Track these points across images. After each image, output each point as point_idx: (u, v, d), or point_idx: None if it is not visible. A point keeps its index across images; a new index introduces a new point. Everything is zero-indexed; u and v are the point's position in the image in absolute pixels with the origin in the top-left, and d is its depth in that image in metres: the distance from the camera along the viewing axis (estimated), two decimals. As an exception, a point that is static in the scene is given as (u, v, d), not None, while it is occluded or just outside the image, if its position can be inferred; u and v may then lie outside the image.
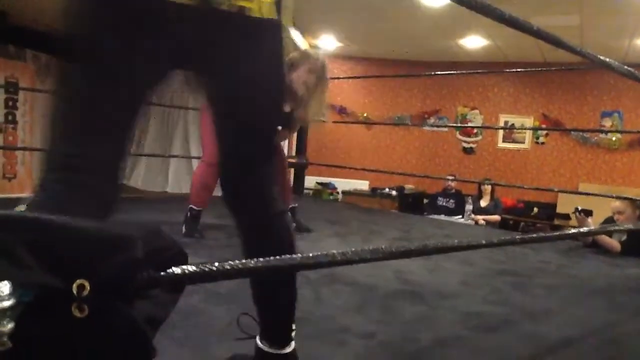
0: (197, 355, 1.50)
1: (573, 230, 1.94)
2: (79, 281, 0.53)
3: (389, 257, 1.18)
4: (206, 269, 0.70)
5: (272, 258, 0.81)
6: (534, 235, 1.64)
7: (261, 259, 0.78)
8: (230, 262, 0.74)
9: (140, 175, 9.71)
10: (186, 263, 0.70)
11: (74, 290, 0.53)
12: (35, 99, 8.41)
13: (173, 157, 9.43)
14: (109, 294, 0.56)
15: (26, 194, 7.71)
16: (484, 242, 1.33)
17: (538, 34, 1.46)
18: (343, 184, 8.51)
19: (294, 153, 8.07)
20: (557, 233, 1.89)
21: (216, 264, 0.73)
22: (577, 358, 1.70)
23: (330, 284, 2.17)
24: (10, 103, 7.73)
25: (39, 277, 0.53)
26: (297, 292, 2.02)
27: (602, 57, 1.80)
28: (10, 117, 7.67)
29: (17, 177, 7.72)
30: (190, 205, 3.07)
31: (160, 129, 9.76)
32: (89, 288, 0.54)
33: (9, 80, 7.57)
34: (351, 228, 3.83)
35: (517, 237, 1.60)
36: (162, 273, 0.65)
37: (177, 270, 0.67)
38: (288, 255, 0.87)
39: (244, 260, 0.77)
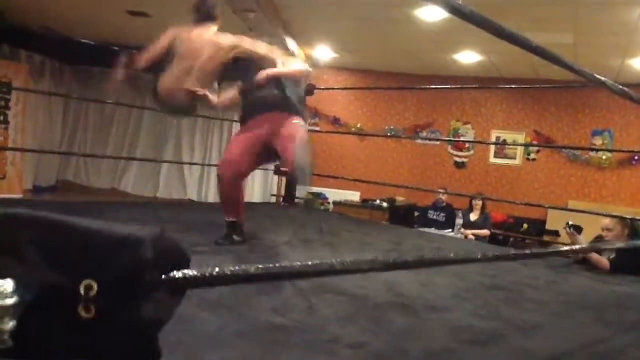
0: (189, 362, 1.49)
1: (565, 248, 1.95)
2: (86, 281, 0.53)
3: (386, 269, 1.18)
4: (208, 275, 0.70)
5: (271, 265, 0.81)
6: (528, 251, 1.65)
7: (261, 266, 0.78)
8: (231, 268, 0.74)
9: (131, 180, 9.68)
10: (188, 267, 0.70)
11: (82, 291, 0.53)
12: (28, 100, 8.39)
13: (165, 162, 9.42)
14: (117, 295, 0.56)
15: (15, 195, 7.66)
16: (479, 256, 1.34)
17: (537, 51, 1.48)
18: (334, 194, 8.52)
19: (286, 162, 8.09)
20: (550, 250, 1.90)
21: (217, 269, 0.73)
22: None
23: (321, 294, 2.16)
24: (3, 103, 7.70)
25: (45, 275, 0.52)
26: (289, 302, 2.02)
27: (598, 76, 1.82)
28: (2, 118, 7.63)
29: (6, 177, 7.67)
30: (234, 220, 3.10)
31: (152, 135, 9.74)
32: (96, 288, 0.54)
33: (2, 80, 7.54)
34: (342, 238, 3.83)
35: (512, 253, 1.61)
36: (169, 275, 0.65)
37: (181, 273, 0.67)
38: (288, 264, 0.87)
39: (244, 267, 0.77)
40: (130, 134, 9.79)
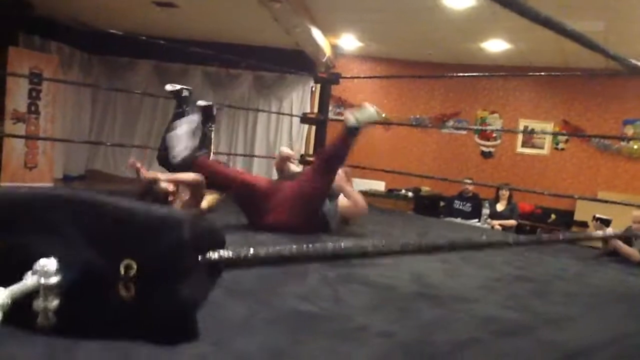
0: (219, 349, 1.51)
1: (594, 233, 1.92)
2: (126, 261, 0.54)
3: (417, 252, 1.18)
4: (243, 256, 0.71)
5: (304, 247, 0.81)
6: (560, 236, 1.63)
7: (294, 247, 0.79)
8: (265, 249, 0.75)
9: (157, 169, 9.77)
10: (224, 247, 0.71)
11: (121, 270, 0.54)
12: (59, 90, 8.52)
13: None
14: (156, 275, 0.57)
15: (46, 184, 7.81)
16: (511, 240, 1.33)
17: (571, 35, 1.44)
18: (359, 184, 8.50)
19: (311, 152, 8.09)
20: (579, 235, 1.88)
21: (251, 250, 0.74)
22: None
23: (347, 283, 2.17)
24: (34, 94, 7.83)
25: (86, 255, 0.54)
26: (316, 290, 2.02)
27: (635, 61, 1.78)
28: (33, 108, 7.78)
29: (37, 166, 7.82)
30: None
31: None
32: (136, 268, 0.55)
33: (33, 71, 7.67)
34: (367, 228, 3.83)
35: (544, 236, 1.59)
36: (205, 256, 0.66)
37: (218, 254, 0.68)
38: (321, 245, 0.87)
39: (278, 248, 0.78)
40: (157, 123, 9.89)
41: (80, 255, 0.54)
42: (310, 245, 0.84)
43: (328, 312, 1.83)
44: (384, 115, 2.90)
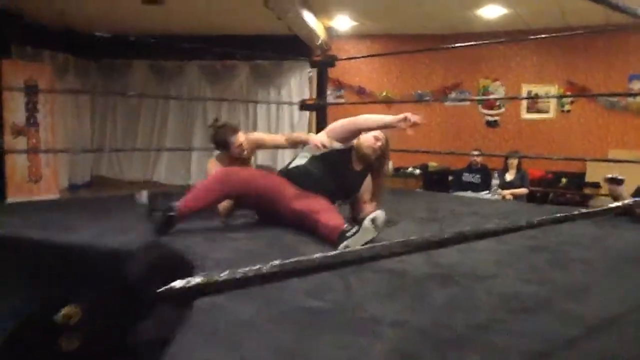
0: (228, 351, 1.45)
1: (612, 205, 1.84)
2: (67, 308, 0.48)
3: (431, 247, 1.11)
4: (214, 281, 0.64)
5: (288, 261, 0.74)
6: (576, 212, 1.55)
7: (276, 263, 0.72)
8: (243, 269, 0.68)
9: (163, 170, 9.75)
10: (192, 274, 0.64)
11: (61, 319, 0.47)
12: (56, 100, 8.47)
13: (194, 150, 9.44)
14: (105, 318, 0.50)
15: (52, 195, 7.80)
16: (524, 223, 1.26)
17: None
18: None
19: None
20: (597, 209, 1.79)
21: (226, 273, 0.66)
22: (621, 336, 1.61)
23: (358, 272, 2.10)
24: (31, 105, 7.78)
25: (25, 303, 0.47)
26: (325, 282, 1.96)
27: None
28: (31, 120, 7.73)
29: (43, 179, 7.79)
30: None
31: (180, 123, 9.76)
32: (80, 315, 0.48)
33: (28, 83, 7.61)
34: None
35: (556, 215, 1.51)
36: (165, 288, 0.59)
37: (183, 283, 0.61)
38: (305, 258, 0.80)
39: (259, 267, 0.70)
40: (158, 124, 9.84)
41: (18, 303, 0.47)
42: (295, 260, 0.77)
43: (338, 305, 1.77)
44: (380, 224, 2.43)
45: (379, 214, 2.61)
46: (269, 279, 0.74)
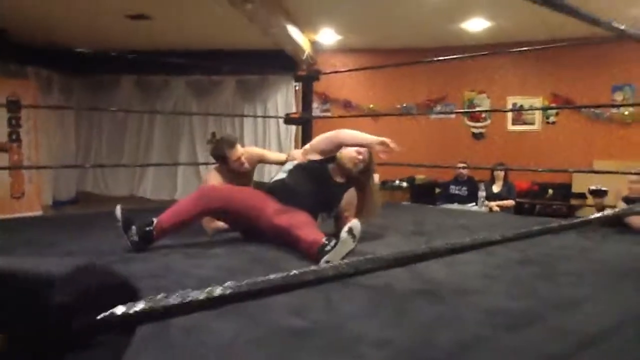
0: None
1: (597, 215, 1.81)
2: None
3: (414, 261, 1.07)
4: (160, 305, 0.58)
5: (243, 284, 0.69)
6: (556, 225, 1.51)
7: (230, 285, 0.67)
8: (191, 293, 0.63)
9: (149, 185, 9.66)
10: (135, 299, 0.58)
11: None
12: (39, 115, 8.38)
13: (180, 164, 9.37)
14: (32, 349, 0.45)
15: (35, 212, 7.67)
16: (510, 235, 1.22)
17: (554, 4, 1.33)
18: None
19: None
20: (583, 219, 1.75)
21: (174, 297, 0.61)
22: (614, 351, 1.57)
23: (341, 289, 2.05)
24: (14, 122, 7.69)
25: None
26: (307, 300, 1.90)
27: (617, 25, 1.66)
28: (14, 136, 7.63)
29: (25, 195, 7.68)
30: None
31: (166, 138, 9.69)
32: (5, 344, 0.42)
33: (10, 99, 7.52)
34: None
35: (542, 227, 1.47)
36: (105, 315, 0.53)
37: (123, 309, 0.56)
38: (265, 278, 0.75)
39: (212, 288, 0.65)
40: (144, 139, 9.77)
41: None
42: (260, 279, 0.72)
43: (321, 324, 1.71)
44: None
45: (355, 224, 2.57)
46: (225, 301, 0.69)
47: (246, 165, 3.52)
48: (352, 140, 3.23)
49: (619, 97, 7.74)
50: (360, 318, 1.79)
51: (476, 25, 7.24)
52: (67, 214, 6.94)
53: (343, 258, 2.49)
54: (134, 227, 2.81)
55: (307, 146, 3.41)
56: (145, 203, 8.85)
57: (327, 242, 2.56)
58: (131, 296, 0.59)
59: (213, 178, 3.54)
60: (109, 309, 0.55)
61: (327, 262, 2.44)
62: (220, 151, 3.49)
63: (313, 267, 0.86)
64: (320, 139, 3.31)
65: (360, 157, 3.22)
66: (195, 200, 2.94)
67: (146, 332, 1.59)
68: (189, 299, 0.61)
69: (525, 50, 5.61)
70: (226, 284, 0.68)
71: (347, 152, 3.23)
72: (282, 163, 3.57)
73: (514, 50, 6.64)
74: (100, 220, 4.14)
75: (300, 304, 1.87)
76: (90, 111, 9.90)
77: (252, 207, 2.98)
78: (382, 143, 3.12)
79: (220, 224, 3.24)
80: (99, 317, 0.53)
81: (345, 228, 2.54)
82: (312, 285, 0.82)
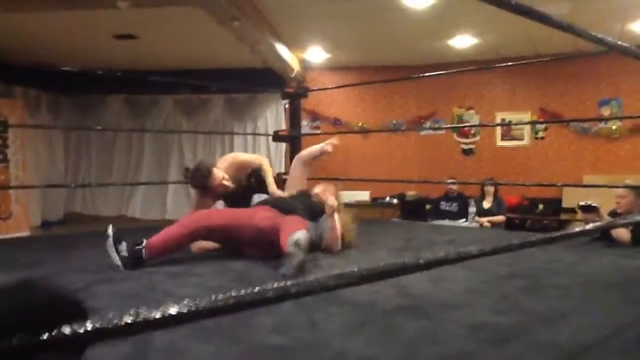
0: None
1: (587, 227, 1.80)
2: None
3: (391, 275, 1.05)
4: (109, 325, 0.56)
5: (217, 297, 0.67)
6: (544, 236, 1.49)
7: (188, 303, 0.64)
8: (140, 313, 0.60)
9: (138, 205, 9.59)
10: (84, 318, 0.56)
11: None
12: (26, 135, 8.34)
13: (170, 183, 9.32)
14: None
15: (22, 233, 7.59)
16: (488, 249, 1.20)
17: (541, 18, 1.33)
18: (343, 196, 8.35)
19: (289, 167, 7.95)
20: (571, 232, 1.74)
21: (121, 317, 0.58)
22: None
23: (325, 306, 2.02)
24: (0, 141, 7.63)
25: None
26: (290, 318, 1.87)
27: (609, 39, 1.67)
28: (1, 156, 7.57)
29: (12, 216, 7.60)
30: None
31: (155, 157, 9.65)
32: None
33: (-3, 119, 7.48)
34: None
35: (530, 239, 1.46)
36: (52, 335, 0.51)
37: (71, 329, 0.53)
38: (224, 295, 0.72)
39: (162, 307, 0.62)
40: (133, 159, 9.71)
41: None
42: (221, 296, 0.70)
43: (302, 342, 1.68)
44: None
45: (300, 235, 2.57)
46: (182, 319, 0.66)
47: (230, 185, 3.47)
48: (309, 155, 3.86)
49: (606, 111, 7.80)
50: (344, 335, 1.76)
51: (463, 42, 7.30)
52: (54, 234, 6.87)
53: (300, 268, 2.57)
54: (124, 243, 2.79)
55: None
56: (135, 223, 8.78)
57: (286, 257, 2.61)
58: (81, 315, 0.56)
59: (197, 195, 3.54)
60: (55, 328, 0.52)
61: (284, 275, 2.51)
62: (200, 182, 3.41)
63: (276, 284, 0.84)
64: (294, 164, 3.90)
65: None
66: (184, 225, 2.98)
67: (124, 352, 1.55)
68: (141, 317, 0.58)
69: (511, 65, 5.64)
70: (183, 302, 0.65)
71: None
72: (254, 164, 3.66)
73: (501, 65, 6.67)
74: (86, 240, 4.10)
75: (282, 322, 1.84)
76: (78, 131, 9.84)
77: (238, 223, 3.01)
78: (329, 144, 3.75)
79: (208, 244, 3.22)
80: (44, 337, 0.50)
81: (292, 240, 2.55)
82: (274, 303, 0.79)
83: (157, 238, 2.90)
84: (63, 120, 9.48)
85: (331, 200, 3.23)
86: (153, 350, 1.60)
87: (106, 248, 2.78)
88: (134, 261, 2.78)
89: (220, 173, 3.43)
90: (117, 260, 2.75)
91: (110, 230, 2.80)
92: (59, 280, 2.46)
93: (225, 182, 3.42)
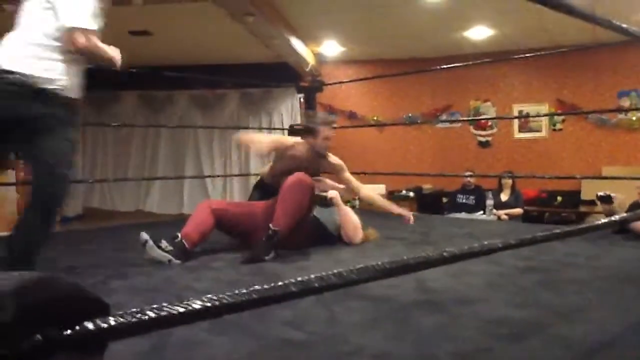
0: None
1: (604, 220, 1.77)
2: None
3: (413, 269, 1.04)
4: (133, 321, 0.56)
5: (237, 292, 0.67)
6: (564, 229, 1.48)
7: (211, 298, 0.64)
8: (155, 308, 0.60)
9: (155, 200, 9.66)
10: (106, 314, 0.56)
11: None
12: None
13: (186, 177, 9.38)
14: None
15: (5, 232, 7.62)
16: (512, 242, 1.19)
17: (565, 8, 1.30)
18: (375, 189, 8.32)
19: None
20: (589, 225, 1.72)
21: (148, 312, 0.58)
22: (618, 359, 1.53)
23: (344, 300, 2.02)
24: (20, 139, 7.71)
25: None
26: (308, 312, 1.87)
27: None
28: (20, 153, 7.65)
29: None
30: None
31: (171, 152, 9.71)
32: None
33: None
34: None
35: (548, 233, 1.44)
36: (73, 331, 0.51)
37: (94, 324, 0.53)
38: (239, 291, 0.72)
39: (186, 302, 0.63)
40: (149, 154, 9.78)
41: None
42: (241, 291, 0.70)
43: (320, 336, 1.68)
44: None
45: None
46: (204, 314, 0.66)
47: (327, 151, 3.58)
48: None
49: (625, 102, 7.68)
50: (360, 330, 1.75)
51: (479, 33, 7.22)
52: (72, 230, 6.93)
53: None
54: (163, 241, 2.84)
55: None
56: (152, 217, 8.85)
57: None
58: (103, 310, 0.56)
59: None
60: (77, 324, 0.52)
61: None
62: (314, 124, 3.57)
63: (299, 279, 0.83)
64: None
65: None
66: (204, 209, 3.14)
67: (144, 346, 1.57)
68: (164, 312, 0.58)
69: (528, 56, 5.57)
70: (206, 297, 0.65)
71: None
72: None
73: (518, 56, 6.60)
74: (103, 235, 4.15)
75: (299, 316, 1.84)
76: (95, 127, 9.91)
77: (251, 210, 3.27)
78: None
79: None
80: (66, 333, 0.50)
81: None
82: (298, 297, 0.79)
83: (189, 227, 2.96)
84: (80, 117, 9.54)
85: (331, 193, 3.41)
86: (171, 343, 1.61)
87: (147, 252, 2.80)
88: (183, 252, 2.85)
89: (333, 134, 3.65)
90: (167, 256, 2.79)
91: (145, 236, 2.83)
92: (76, 275, 2.49)
93: (328, 143, 3.56)
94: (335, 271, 0.89)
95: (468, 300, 2.07)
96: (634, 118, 7.62)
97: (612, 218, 2.18)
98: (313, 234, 3.24)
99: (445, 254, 1.15)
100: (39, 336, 0.48)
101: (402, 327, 1.78)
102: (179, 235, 2.91)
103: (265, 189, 3.64)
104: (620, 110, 7.67)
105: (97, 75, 8.52)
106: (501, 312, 1.92)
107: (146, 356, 1.54)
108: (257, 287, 0.73)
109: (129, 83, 9.00)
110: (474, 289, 2.25)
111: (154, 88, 9.29)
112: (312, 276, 0.85)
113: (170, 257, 2.79)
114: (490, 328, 1.74)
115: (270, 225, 2.90)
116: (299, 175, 3.08)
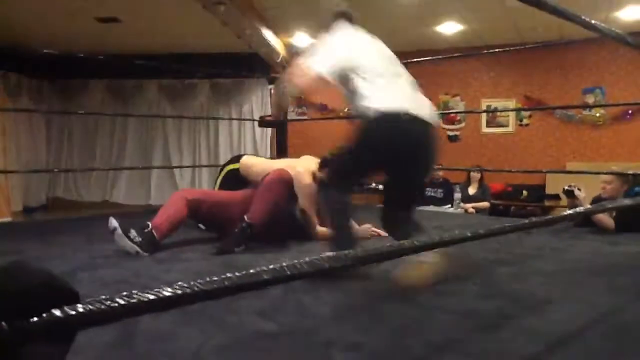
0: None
1: (569, 212, 1.81)
2: None
3: (386, 257, 1.04)
4: (100, 307, 0.54)
5: (207, 280, 0.66)
6: (526, 221, 1.50)
7: (184, 284, 0.63)
8: (125, 295, 0.58)
9: (122, 190, 9.50)
10: (75, 302, 0.54)
11: None
12: (8, 121, 8.20)
13: (154, 168, 9.25)
14: None
15: (3, 219, 7.48)
16: (481, 231, 1.20)
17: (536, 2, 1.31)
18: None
19: (275, 153, 7.91)
20: (553, 217, 1.75)
21: (118, 298, 0.57)
22: (585, 349, 1.56)
23: (314, 291, 2.02)
24: (-19, 127, 7.50)
25: None
26: (279, 303, 1.87)
27: (615, 30, 1.67)
28: (-19, 141, 7.44)
29: (-8, 201, 7.49)
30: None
31: (139, 142, 9.55)
32: None
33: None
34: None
35: (515, 224, 1.46)
36: (39, 319, 0.49)
37: (62, 312, 0.51)
38: (236, 275, 0.72)
39: (156, 289, 0.61)
40: (116, 143, 9.60)
41: None
42: (212, 279, 0.69)
43: (290, 328, 1.67)
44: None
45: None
46: (174, 302, 0.65)
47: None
48: None
49: (590, 99, 7.85)
50: (333, 321, 1.76)
51: (449, 28, 7.28)
52: (36, 220, 6.80)
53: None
54: (132, 230, 2.78)
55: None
56: (119, 208, 8.71)
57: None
58: (72, 298, 0.55)
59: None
60: (46, 311, 0.50)
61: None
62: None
63: (271, 266, 0.82)
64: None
65: None
66: (177, 200, 3.04)
67: (111, 338, 1.54)
68: (134, 300, 0.57)
69: (497, 51, 5.64)
70: (177, 284, 0.64)
71: None
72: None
73: (487, 51, 6.69)
74: (69, 226, 4.06)
75: (270, 307, 1.83)
76: (61, 116, 9.68)
77: (226, 199, 3.21)
78: None
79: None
80: (35, 320, 0.48)
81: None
82: (268, 285, 0.78)
83: (161, 218, 2.90)
84: (44, 105, 9.33)
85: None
86: (139, 335, 1.59)
87: (116, 240, 2.74)
88: (152, 244, 2.78)
89: None
90: (135, 248, 2.73)
91: (114, 223, 2.76)
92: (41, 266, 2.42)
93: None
94: (307, 259, 0.88)
95: (438, 293, 2.09)
96: (597, 114, 7.80)
97: (577, 209, 2.23)
98: (288, 227, 3.22)
99: (416, 242, 1.15)
100: (4, 324, 0.46)
101: (373, 319, 1.78)
102: (150, 224, 2.86)
103: (239, 179, 3.59)
104: (584, 106, 7.84)
105: (64, 63, 8.35)
106: (470, 304, 1.95)
107: (114, 348, 1.51)
108: (229, 274, 0.72)
109: (96, 71, 8.82)
110: (443, 281, 2.27)
111: (123, 77, 9.11)
112: (284, 264, 0.85)
113: (137, 248, 2.74)
114: (460, 320, 1.76)
115: (245, 217, 2.88)
116: (280, 172, 3.06)
